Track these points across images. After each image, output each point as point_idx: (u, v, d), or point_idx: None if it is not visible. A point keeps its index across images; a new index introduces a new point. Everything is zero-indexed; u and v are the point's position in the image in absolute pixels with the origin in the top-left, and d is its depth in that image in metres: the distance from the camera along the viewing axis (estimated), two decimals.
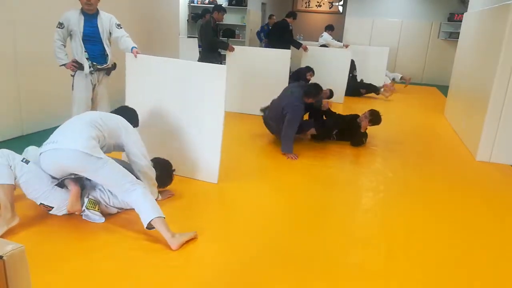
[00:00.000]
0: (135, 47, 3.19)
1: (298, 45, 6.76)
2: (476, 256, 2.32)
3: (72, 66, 3.31)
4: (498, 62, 3.82)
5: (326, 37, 8.10)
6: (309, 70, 6.47)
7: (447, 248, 2.37)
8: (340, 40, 10.42)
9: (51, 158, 2.21)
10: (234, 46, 5.47)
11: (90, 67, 3.32)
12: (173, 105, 3.09)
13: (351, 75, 7.89)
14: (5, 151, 2.23)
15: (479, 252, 2.37)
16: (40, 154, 2.24)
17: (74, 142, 2.17)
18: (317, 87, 4.12)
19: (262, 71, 5.31)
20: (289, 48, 5.84)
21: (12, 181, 2.17)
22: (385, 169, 3.70)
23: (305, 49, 6.77)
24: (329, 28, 8.26)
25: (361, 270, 2.10)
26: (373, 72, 8.10)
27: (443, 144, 4.83)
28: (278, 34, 6.78)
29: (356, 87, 7.72)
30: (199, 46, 8.05)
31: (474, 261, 2.26)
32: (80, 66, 3.32)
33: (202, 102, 2.98)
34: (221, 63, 5.49)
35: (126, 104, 3.09)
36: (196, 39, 8.15)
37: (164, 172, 2.69)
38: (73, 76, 3.38)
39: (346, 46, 7.96)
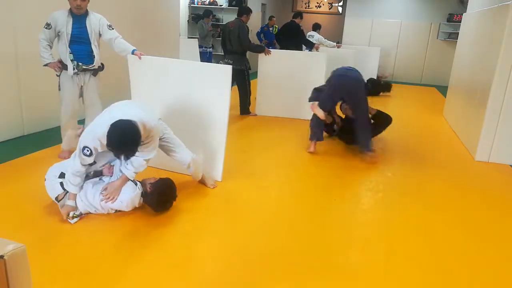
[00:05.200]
0: (136, 50, 3.17)
1: (311, 45, 6.77)
2: (476, 255, 2.33)
3: (56, 66, 3.25)
4: (497, 62, 3.83)
5: (318, 37, 7.98)
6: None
7: (446, 248, 2.38)
8: (339, 40, 10.45)
9: None
10: (270, 50, 5.41)
11: (74, 68, 3.24)
12: (178, 105, 3.11)
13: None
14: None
15: (479, 251, 2.37)
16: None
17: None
18: None
19: (296, 74, 5.23)
20: (301, 49, 5.82)
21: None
22: (384, 169, 3.70)
23: (317, 48, 6.81)
24: (318, 27, 8.19)
25: (361, 270, 2.10)
26: (365, 71, 8.08)
27: (442, 144, 4.83)
28: (290, 35, 6.72)
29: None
30: (200, 47, 8.04)
31: (473, 261, 2.27)
32: (64, 66, 3.25)
33: (207, 102, 3.00)
34: (250, 67, 5.46)
35: None
36: (197, 39, 8.14)
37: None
38: (58, 76, 3.32)
39: (338, 46, 7.94)
